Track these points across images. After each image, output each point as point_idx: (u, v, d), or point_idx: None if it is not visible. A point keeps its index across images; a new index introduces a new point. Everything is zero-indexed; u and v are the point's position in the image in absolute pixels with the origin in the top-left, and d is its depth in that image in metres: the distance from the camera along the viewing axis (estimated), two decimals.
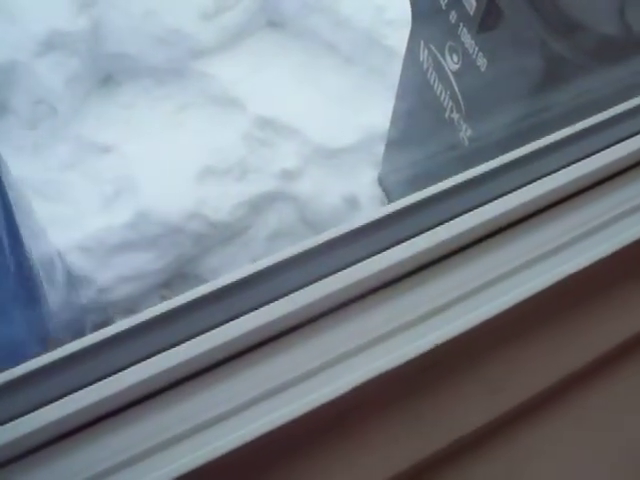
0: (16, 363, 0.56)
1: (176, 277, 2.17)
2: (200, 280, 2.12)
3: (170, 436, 0.54)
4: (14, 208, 1.39)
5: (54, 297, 1.57)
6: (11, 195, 1.39)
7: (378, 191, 2.18)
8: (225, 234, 2.18)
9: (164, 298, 2.09)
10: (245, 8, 2.47)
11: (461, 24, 1.55)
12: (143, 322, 0.57)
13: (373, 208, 2.14)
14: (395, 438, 0.58)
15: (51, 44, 2.27)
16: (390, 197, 2.18)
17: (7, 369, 0.56)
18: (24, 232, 1.39)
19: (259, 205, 2.21)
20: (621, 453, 0.67)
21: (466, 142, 1.64)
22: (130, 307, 2.09)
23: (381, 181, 2.22)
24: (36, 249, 1.50)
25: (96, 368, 0.56)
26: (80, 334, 0.59)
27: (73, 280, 1.98)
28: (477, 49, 1.51)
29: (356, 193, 2.16)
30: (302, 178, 2.21)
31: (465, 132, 1.65)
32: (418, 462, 0.60)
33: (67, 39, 2.29)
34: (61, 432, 0.55)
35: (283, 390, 0.57)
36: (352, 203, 2.13)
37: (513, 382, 0.63)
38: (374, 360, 0.57)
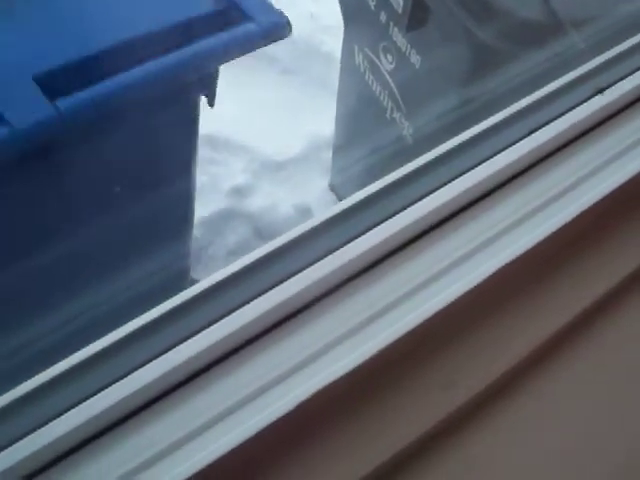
0: None
1: None
2: None
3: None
4: None
5: None
6: None
7: (331, 197, 2.17)
8: None
9: None
10: None
11: (391, 23, 1.56)
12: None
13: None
14: (348, 448, 0.57)
15: None
16: None
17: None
18: None
19: (214, 224, 2.19)
20: (582, 438, 0.66)
21: (410, 140, 1.64)
22: None
23: (333, 187, 2.21)
24: None
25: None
26: None
27: None
28: (409, 47, 1.52)
29: (308, 202, 2.15)
30: (254, 193, 2.20)
31: (407, 130, 1.65)
32: (377, 467, 0.59)
33: None
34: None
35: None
36: (305, 213, 2.12)
37: (464, 375, 0.63)
38: (319, 372, 0.56)
